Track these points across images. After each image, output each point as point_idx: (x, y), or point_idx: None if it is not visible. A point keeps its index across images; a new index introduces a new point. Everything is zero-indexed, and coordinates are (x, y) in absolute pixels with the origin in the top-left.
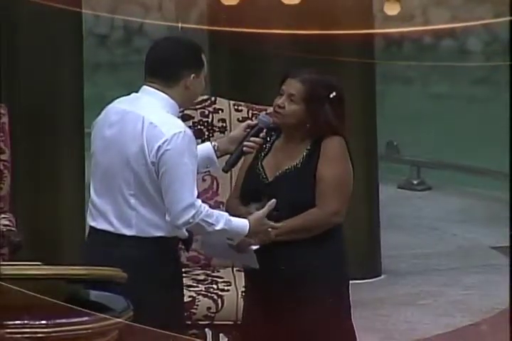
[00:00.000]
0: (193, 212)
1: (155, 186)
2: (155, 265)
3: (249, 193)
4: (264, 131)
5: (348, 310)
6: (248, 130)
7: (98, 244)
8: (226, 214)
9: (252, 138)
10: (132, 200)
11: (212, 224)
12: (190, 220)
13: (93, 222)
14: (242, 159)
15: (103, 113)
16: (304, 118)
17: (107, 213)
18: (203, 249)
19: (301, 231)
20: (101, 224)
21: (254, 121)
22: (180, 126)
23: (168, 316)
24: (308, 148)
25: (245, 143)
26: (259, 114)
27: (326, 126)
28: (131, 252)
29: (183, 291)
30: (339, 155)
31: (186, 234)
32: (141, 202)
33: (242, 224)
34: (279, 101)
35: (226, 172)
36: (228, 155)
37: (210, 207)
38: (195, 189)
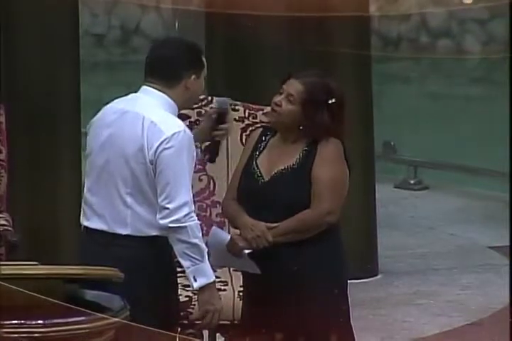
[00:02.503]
0: (186, 211)
1: (152, 185)
2: (149, 264)
3: (245, 192)
4: (228, 113)
5: (347, 310)
6: (214, 116)
7: (93, 244)
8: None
9: (219, 126)
10: (128, 199)
11: (196, 238)
12: (182, 220)
13: (87, 221)
14: (238, 159)
15: (100, 113)
16: (298, 119)
17: (101, 212)
18: None
19: (296, 232)
20: (95, 224)
21: (213, 109)
22: (180, 125)
23: (162, 315)
24: (305, 148)
25: (215, 132)
26: (256, 114)
27: (320, 130)
28: (126, 251)
29: (177, 290)
30: (335, 157)
31: None
32: (137, 201)
33: (209, 270)
34: (277, 99)
35: (212, 162)
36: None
37: (207, 206)
38: (191, 190)
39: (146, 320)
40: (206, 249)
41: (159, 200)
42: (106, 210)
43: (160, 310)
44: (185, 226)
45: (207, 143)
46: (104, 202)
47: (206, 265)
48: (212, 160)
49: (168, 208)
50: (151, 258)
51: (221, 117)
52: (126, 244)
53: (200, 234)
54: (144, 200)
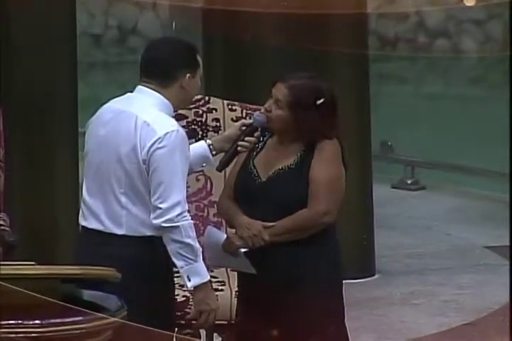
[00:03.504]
0: (179, 210)
1: (146, 185)
2: (145, 264)
3: (242, 192)
4: (259, 130)
5: (342, 311)
6: (243, 128)
7: (89, 244)
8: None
9: (246, 138)
10: (123, 199)
11: (189, 237)
12: (175, 220)
13: (84, 221)
14: (235, 158)
15: (97, 112)
16: (289, 123)
17: (98, 212)
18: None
19: (293, 232)
20: (92, 224)
21: (249, 120)
22: (173, 124)
23: (158, 315)
24: (303, 149)
25: (240, 142)
26: (253, 114)
27: (312, 132)
28: (121, 251)
29: (174, 291)
30: (332, 158)
31: None
32: (131, 201)
33: (204, 270)
34: (267, 104)
35: (220, 171)
36: (222, 154)
37: (204, 206)
38: (185, 189)
39: (142, 320)
40: (200, 249)
41: (152, 200)
42: (102, 210)
43: (156, 310)
44: (178, 226)
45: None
46: (100, 202)
47: (200, 264)
48: (220, 170)
49: (160, 208)
50: (147, 258)
51: (252, 131)
52: (122, 244)
53: (194, 234)
54: (138, 200)
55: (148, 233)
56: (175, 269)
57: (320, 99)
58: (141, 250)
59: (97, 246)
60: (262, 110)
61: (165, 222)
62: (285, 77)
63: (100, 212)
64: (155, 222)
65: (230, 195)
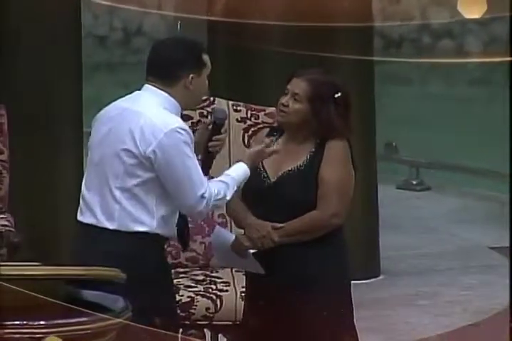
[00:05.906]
0: (204, 202)
1: (144, 182)
2: (137, 260)
3: (251, 193)
4: (225, 125)
5: (351, 311)
6: (209, 127)
7: (83, 239)
8: (225, 180)
9: (214, 137)
10: (117, 193)
11: (224, 198)
12: (204, 210)
13: (81, 216)
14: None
15: (104, 109)
16: (307, 117)
17: (93, 206)
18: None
19: (302, 233)
20: (87, 218)
21: (208, 119)
22: (177, 121)
23: (155, 314)
24: (313, 150)
25: (210, 143)
26: (252, 114)
27: (329, 127)
28: (112, 246)
29: (170, 290)
30: (342, 159)
31: (174, 233)
32: (125, 196)
33: (241, 170)
34: (284, 99)
35: (205, 175)
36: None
37: None
38: (203, 177)
39: (138, 319)
40: (228, 185)
41: (176, 198)
42: (97, 204)
43: (153, 309)
44: (211, 206)
45: (199, 156)
46: (96, 196)
47: (234, 180)
48: (205, 174)
49: (187, 205)
50: (139, 255)
51: (217, 128)
52: (113, 238)
53: (222, 193)
54: (133, 195)
55: (140, 229)
56: (180, 270)
57: (338, 93)
58: (133, 246)
59: (90, 241)
60: (277, 107)
61: (198, 213)
62: (301, 72)
63: (95, 205)
64: (189, 215)
65: (238, 195)
